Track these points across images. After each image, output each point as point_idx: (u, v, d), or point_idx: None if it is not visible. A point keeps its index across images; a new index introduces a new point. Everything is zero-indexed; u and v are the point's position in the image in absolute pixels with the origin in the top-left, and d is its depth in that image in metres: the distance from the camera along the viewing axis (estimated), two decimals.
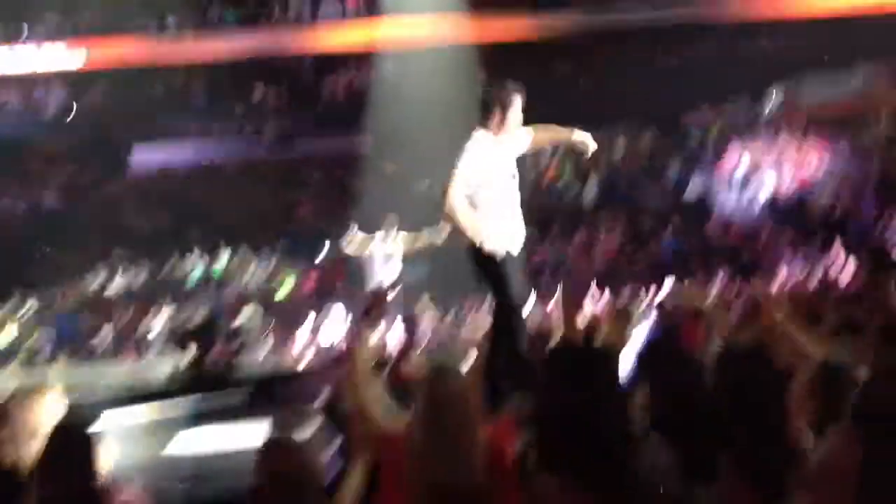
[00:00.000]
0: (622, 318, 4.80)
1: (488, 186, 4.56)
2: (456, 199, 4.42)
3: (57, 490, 2.76)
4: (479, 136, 4.58)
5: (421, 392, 2.75)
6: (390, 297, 9.59)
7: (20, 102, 19.27)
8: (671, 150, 19.50)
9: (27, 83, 19.33)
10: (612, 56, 22.10)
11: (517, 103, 4.64)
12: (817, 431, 2.76)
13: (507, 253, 4.58)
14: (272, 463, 2.74)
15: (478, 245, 4.49)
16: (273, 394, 7.28)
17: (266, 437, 2.90)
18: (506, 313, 4.56)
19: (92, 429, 2.96)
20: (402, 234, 10.13)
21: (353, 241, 10.17)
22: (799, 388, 2.93)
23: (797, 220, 15.57)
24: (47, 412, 3.21)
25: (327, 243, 10.29)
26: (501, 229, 4.57)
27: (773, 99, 21.29)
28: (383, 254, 10.08)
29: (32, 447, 3.07)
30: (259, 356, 9.73)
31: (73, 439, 2.88)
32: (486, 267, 4.54)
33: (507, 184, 4.66)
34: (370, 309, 3.62)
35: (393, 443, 2.92)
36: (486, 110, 4.60)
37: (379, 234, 10.17)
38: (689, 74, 21.23)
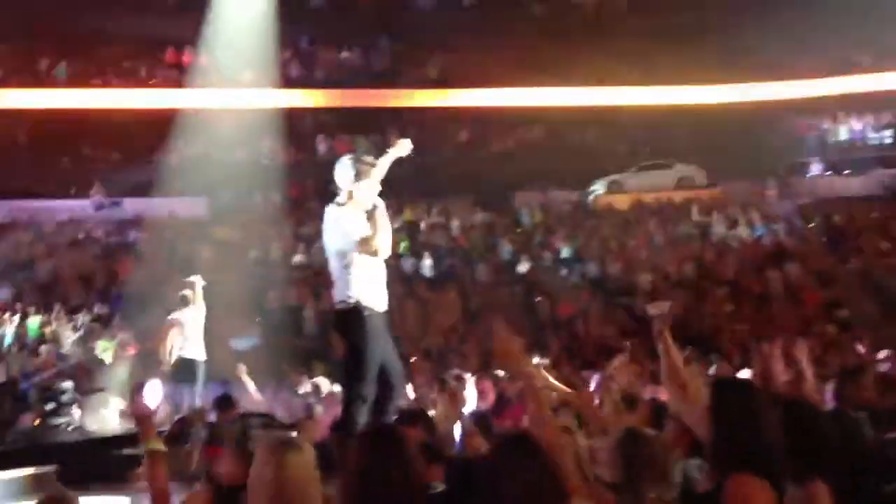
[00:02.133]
0: (452, 400, 4.92)
1: (362, 247, 4.67)
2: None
3: None
4: (349, 202, 4.74)
5: (268, 466, 2.64)
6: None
7: None
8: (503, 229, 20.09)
9: None
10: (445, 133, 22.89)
11: (378, 173, 4.86)
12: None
13: (378, 311, 4.65)
14: None
15: (352, 303, 4.56)
16: (86, 464, 6.86)
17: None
18: (363, 378, 4.54)
19: None
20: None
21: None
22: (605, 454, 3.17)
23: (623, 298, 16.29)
24: None
25: (151, 307, 9.85)
26: (374, 287, 4.68)
27: (598, 186, 22.54)
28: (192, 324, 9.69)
29: None
30: (74, 421, 9.15)
31: None
32: (356, 325, 4.58)
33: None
34: None
35: None
36: (356, 178, 4.71)
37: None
38: (519, 159, 22.24)
